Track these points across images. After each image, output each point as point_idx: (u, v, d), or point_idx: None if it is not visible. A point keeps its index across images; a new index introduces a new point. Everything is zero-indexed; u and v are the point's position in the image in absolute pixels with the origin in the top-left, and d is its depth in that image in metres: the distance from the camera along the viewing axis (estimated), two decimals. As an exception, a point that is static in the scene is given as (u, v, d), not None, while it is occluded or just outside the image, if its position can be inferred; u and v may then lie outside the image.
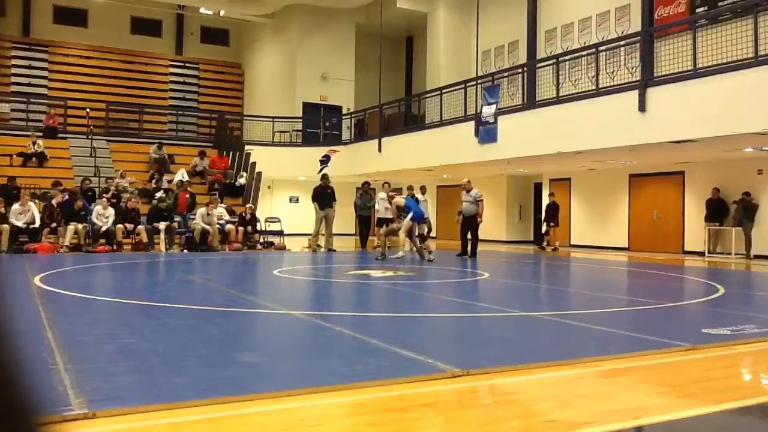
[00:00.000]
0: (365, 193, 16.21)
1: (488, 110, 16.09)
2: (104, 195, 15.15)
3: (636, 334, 4.90)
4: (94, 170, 16.97)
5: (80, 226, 13.73)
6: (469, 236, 13.93)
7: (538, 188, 21.44)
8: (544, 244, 17.93)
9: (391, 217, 16.08)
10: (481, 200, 13.86)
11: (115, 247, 13.83)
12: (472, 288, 8.99)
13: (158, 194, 15.67)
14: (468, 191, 13.71)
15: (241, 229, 15.51)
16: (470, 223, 13.78)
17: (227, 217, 15.71)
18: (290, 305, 6.79)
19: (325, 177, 16.22)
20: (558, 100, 14.54)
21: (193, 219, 14.98)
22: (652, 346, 4.33)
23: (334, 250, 15.56)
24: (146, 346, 4.22)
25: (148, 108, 23.73)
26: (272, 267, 11.28)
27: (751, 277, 11.49)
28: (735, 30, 11.66)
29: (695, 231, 16.32)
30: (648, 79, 12.48)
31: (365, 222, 16.26)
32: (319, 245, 16.00)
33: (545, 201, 20.78)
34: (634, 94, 12.48)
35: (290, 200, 24.47)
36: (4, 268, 9.30)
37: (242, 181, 18.28)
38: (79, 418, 2.66)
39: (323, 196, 15.69)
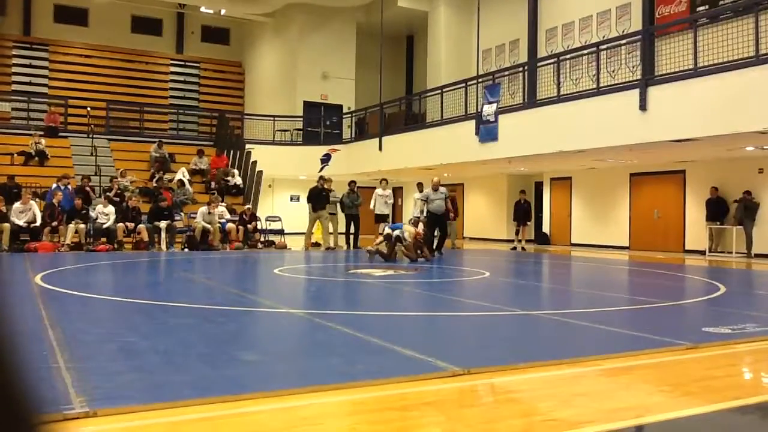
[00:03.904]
0: (352, 191, 16.29)
1: (489, 109, 16.08)
2: (107, 194, 15.20)
3: (637, 332, 4.90)
4: (94, 169, 16.98)
5: (81, 225, 13.75)
6: (436, 233, 14.10)
7: (538, 187, 21.44)
8: (515, 243, 17.68)
9: (387, 213, 16.12)
10: (449, 198, 14.19)
11: (115, 246, 13.84)
12: (473, 287, 8.99)
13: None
14: (436, 189, 13.85)
15: (241, 228, 15.51)
16: (441, 220, 13.97)
17: (228, 216, 15.73)
18: (291, 304, 6.79)
19: (321, 179, 16.28)
20: (559, 99, 14.53)
21: (194, 218, 15.00)
22: (653, 345, 4.33)
23: (333, 248, 15.62)
24: (147, 345, 4.22)
25: (149, 107, 23.74)
26: (273, 266, 11.28)
27: (752, 276, 11.49)
28: (736, 29, 11.65)
29: (696, 230, 16.32)
30: (649, 78, 12.47)
31: (353, 220, 16.29)
32: (323, 245, 16.04)
33: (546, 200, 20.82)
34: (634, 93, 12.47)
35: (291, 199, 24.46)
36: (4, 267, 9.31)
37: (236, 180, 18.21)
38: (80, 416, 2.66)
39: (318, 198, 15.82)
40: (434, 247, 13.90)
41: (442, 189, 14.03)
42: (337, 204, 16.30)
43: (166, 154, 18.70)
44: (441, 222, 14.00)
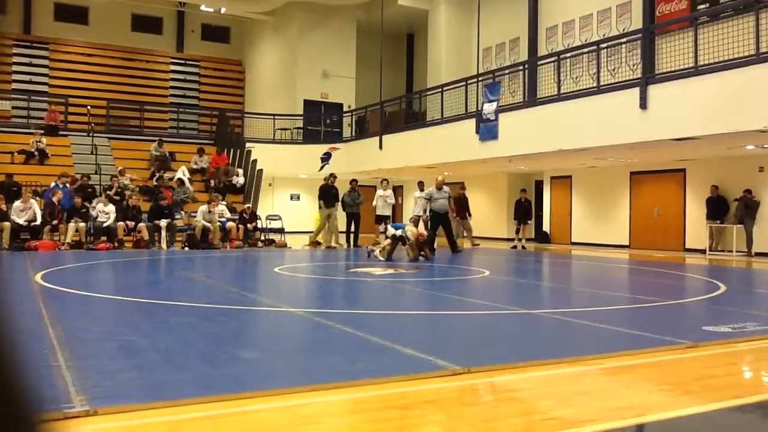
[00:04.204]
0: (353, 190, 16.28)
1: (489, 107, 16.07)
2: (108, 192, 15.20)
3: (637, 331, 4.90)
4: (95, 168, 16.99)
5: (81, 223, 13.76)
6: (440, 232, 14.05)
7: (539, 186, 21.44)
8: (516, 242, 17.57)
9: (388, 214, 16.11)
10: (452, 197, 14.19)
11: (116, 245, 13.84)
12: (473, 285, 8.99)
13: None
14: (440, 188, 13.82)
15: (242, 226, 15.52)
16: (443, 219, 13.89)
17: (228, 214, 15.73)
18: (291, 303, 6.79)
19: (332, 176, 16.29)
20: (559, 98, 14.52)
21: (195, 217, 15.00)
22: (653, 344, 4.33)
23: (334, 247, 15.63)
24: (147, 343, 4.22)
25: (149, 105, 23.73)
26: (273, 264, 11.28)
27: (753, 274, 11.48)
28: (736, 27, 11.64)
29: (696, 228, 16.32)
30: (649, 77, 12.46)
31: (354, 219, 16.28)
32: (323, 243, 16.01)
33: (546, 199, 20.82)
34: (635, 92, 12.46)
35: (291, 198, 24.47)
36: (5, 266, 9.31)
37: (240, 179, 18.25)
38: (81, 415, 2.66)
39: (329, 195, 15.80)
40: (435, 245, 13.84)
41: (446, 188, 13.96)
42: (338, 203, 16.32)
43: (166, 153, 18.70)
44: (444, 221, 13.91)
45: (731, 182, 15.55)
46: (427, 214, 14.21)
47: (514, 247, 17.35)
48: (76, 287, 7.48)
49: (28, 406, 0.61)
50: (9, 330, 0.61)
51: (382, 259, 11.70)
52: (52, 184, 14.74)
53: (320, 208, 16.01)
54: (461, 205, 16.74)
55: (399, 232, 11.92)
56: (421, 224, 12.95)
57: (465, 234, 17.08)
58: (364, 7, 24.03)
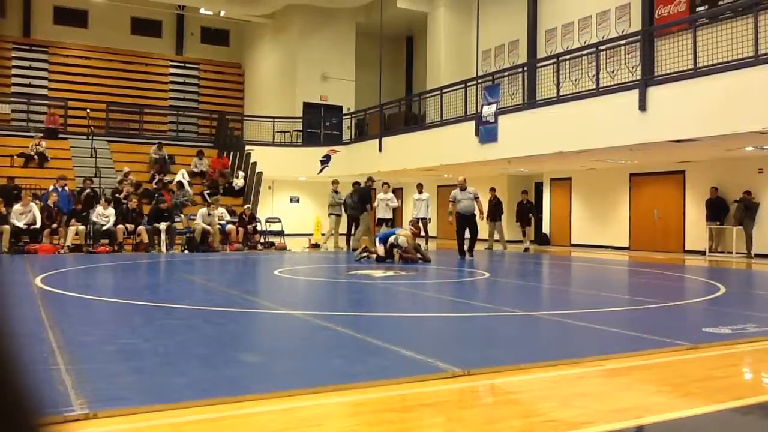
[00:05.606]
0: (355, 192, 16.26)
1: (488, 110, 16.08)
2: (116, 195, 15.19)
3: (637, 333, 4.90)
4: (94, 171, 16.98)
5: (81, 226, 13.75)
6: (467, 234, 13.69)
7: (538, 188, 21.44)
8: (527, 244, 17.54)
9: (390, 217, 16.09)
10: (479, 198, 13.76)
11: (115, 248, 13.84)
12: (473, 287, 8.99)
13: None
14: (463, 189, 13.54)
15: (241, 229, 15.52)
16: (471, 221, 13.50)
17: (228, 217, 15.72)
18: (291, 305, 6.79)
19: (369, 179, 16.24)
20: (558, 100, 14.53)
21: (194, 219, 15.00)
22: (653, 346, 4.33)
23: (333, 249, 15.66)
24: (147, 346, 4.22)
25: (149, 108, 23.75)
26: (273, 267, 11.28)
27: (752, 276, 11.48)
28: (735, 29, 11.65)
29: (696, 230, 16.32)
30: (648, 79, 12.47)
31: (355, 221, 16.26)
32: (322, 245, 16.00)
33: (546, 201, 20.82)
34: (634, 94, 12.47)
35: (291, 200, 24.48)
36: (5, 269, 9.31)
37: (239, 182, 18.25)
38: (80, 418, 2.66)
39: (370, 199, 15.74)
40: (464, 250, 13.55)
41: (471, 188, 13.59)
42: (341, 205, 16.33)
43: (165, 156, 18.70)
44: (471, 223, 13.46)
45: (731, 184, 15.56)
46: (429, 216, 14.11)
47: (526, 249, 17.14)
48: (76, 290, 7.48)
49: (28, 409, 0.61)
50: (9, 333, 0.61)
51: (372, 257, 11.82)
52: (51, 188, 14.75)
53: (366, 211, 15.62)
54: (493, 208, 16.63)
55: (391, 239, 11.90)
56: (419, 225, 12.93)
57: (497, 237, 16.99)
58: (363, 9, 24.06)
